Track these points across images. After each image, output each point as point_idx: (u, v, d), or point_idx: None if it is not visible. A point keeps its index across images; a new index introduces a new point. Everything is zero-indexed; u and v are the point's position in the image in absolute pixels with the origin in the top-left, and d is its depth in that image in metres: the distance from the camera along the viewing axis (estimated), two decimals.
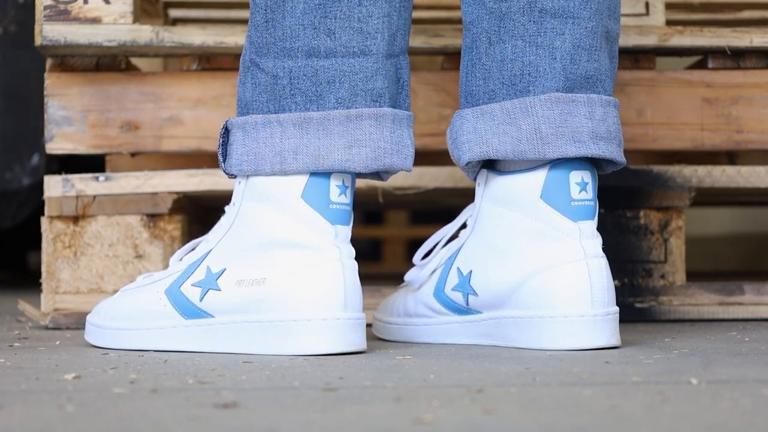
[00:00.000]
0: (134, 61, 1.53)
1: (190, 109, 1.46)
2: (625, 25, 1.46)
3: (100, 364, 1.06)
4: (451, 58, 1.49)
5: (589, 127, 1.15)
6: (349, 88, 1.13)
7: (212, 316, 1.15)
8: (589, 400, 0.81)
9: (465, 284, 1.20)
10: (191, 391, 0.87)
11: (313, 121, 1.12)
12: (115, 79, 1.46)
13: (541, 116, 1.14)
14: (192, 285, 1.16)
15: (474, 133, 1.17)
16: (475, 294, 1.20)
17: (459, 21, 1.84)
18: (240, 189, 1.15)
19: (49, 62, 1.46)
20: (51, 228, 1.44)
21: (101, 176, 1.44)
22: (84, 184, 1.44)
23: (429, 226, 3.21)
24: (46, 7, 1.41)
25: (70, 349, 1.20)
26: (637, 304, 1.46)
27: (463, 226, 1.26)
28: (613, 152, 1.16)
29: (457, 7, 1.82)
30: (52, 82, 1.45)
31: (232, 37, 1.42)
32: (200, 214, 1.74)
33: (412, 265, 1.30)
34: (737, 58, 1.49)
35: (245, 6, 1.84)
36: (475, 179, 1.21)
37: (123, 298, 1.21)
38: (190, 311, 1.16)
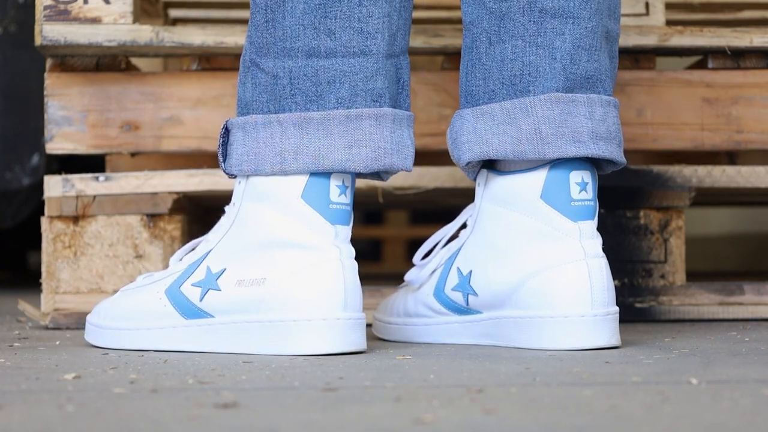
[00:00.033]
0: (134, 61, 1.53)
1: (190, 109, 1.46)
2: (625, 25, 1.46)
3: (100, 364, 1.06)
4: (451, 58, 1.49)
5: (589, 127, 1.15)
6: (350, 88, 1.13)
7: (212, 316, 1.15)
8: (589, 400, 0.81)
9: (465, 284, 1.20)
10: (191, 391, 0.87)
11: (314, 121, 1.12)
12: (115, 79, 1.46)
13: (541, 116, 1.14)
14: (192, 285, 1.16)
15: (474, 133, 1.17)
16: (475, 294, 1.20)
17: (459, 21, 1.84)
18: (240, 189, 1.15)
19: (49, 62, 1.46)
20: (51, 228, 1.44)
21: (101, 176, 1.44)
22: (84, 184, 1.44)
23: (429, 226, 3.21)
24: (46, 7, 1.41)
25: (70, 349, 1.20)
26: (637, 304, 1.46)
27: (463, 226, 1.26)
28: (613, 152, 1.16)
29: (457, 7, 1.82)
30: (52, 82, 1.45)
31: (232, 37, 1.42)
32: (200, 214, 1.74)
33: (412, 265, 1.30)
34: (737, 58, 1.49)
35: (245, 6, 1.84)
36: (475, 179, 1.21)
37: (123, 298, 1.21)
38: (190, 311, 1.16)
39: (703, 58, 1.51)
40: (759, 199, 1.93)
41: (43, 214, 1.44)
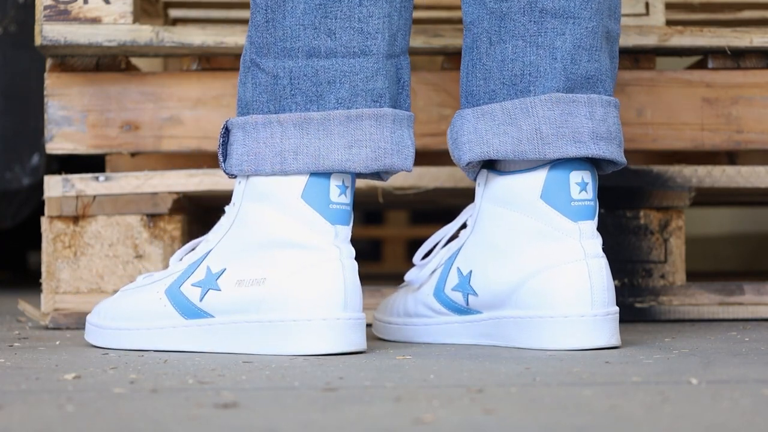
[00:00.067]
0: (134, 61, 1.53)
1: (190, 109, 1.46)
2: (625, 25, 1.46)
3: (100, 364, 1.06)
4: (451, 58, 1.49)
5: (590, 128, 1.15)
6: (350, 89, 1.13)
7: (212, 316, 1.15)
8: (589, 400, 0.81)
9: (465, 284, 1.20)
10: (191, 391, 0.87)
11: (314, 122, 1.12)
12: (115, 79, 1.46)
13: (542, 116, 1.14)
14: (192, 285, 1.16)
15: (474, 133, 1.17)
16: (475, 294, 1.20)
17: (459, 21, 1.84)
18: (240, 189, 1.15)
19: (49, 62, 1.46)
20: (51, 228, 1.44)
21: (101, 176, 1.44)
22: (84, 184, 1.44)
23: (429, 226, 3.21)
24: (46, 7, 1.41)
25: (70, 349, 1.20)
26: (637, 304, 1.46)
27: (463, 226, 1.26)
28: (614, 152, 1.16)
29: (457, 7, 1.82)
30: (52, 82, 1.45)
31: (232, 37, 1.42)
32: (200, 214, 1.74)
33: (412, 265, 1.30)
34: (737, 58, 1.49)
35: (245, 6, 1.84)
36: (475, 179, 1.21)
37: (123, 298, 1.21)
38: (190, 311, 1.16)
39: (703, 58, 1.51)
40: (759, 199, 1.93)
41: (43, 214, 1.44)
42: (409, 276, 1.28)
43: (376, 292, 1.46)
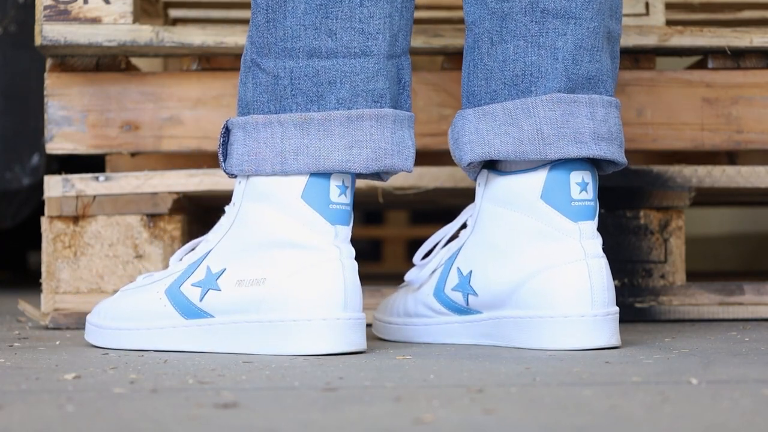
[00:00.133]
0: (134, 61, 1.53)
1: (190, 109, 1.46)
2: (625, 25, 1.46)
3: (100, 364, 1.06)
4: (451, 58, 1.49)
5: (591, 128, 1.15)
6: (350, 89, 1.13)
7: (212, 316, 1.15)
8: (589, 400, 0.81)
9: (465, 284, 1.20)
10: (191, 391, 0.87)
11: (314, 122, 1.12)
12: (115, 79, 1.46)
13: (543, 117, 1.14)
14: (192, 285, 1.16)
15: (476, 133, 1.17)
16: (475, 294, 1.20)
17: (459, 21, 1.84)
18: (240, 189, 1.15)
19: (49, 62, 1.46)
20: (51, 228, 1.44)
21: (101, 176, 1.44)
22: (84, 184, 1.44)
23: (429, 226, 3.21)
24: (46, 7, 1.41)
25: (70, 349, 1.20)
26: (637, 304, 1.46)
27: (463, 226, 1.26)
28: (615, 153, 1.16)
29: (457, 7, 1.82)
30: (52, 82, 1.45)
31: (232, 37, 1.42)
32: (200, 214, 1.74)
33: (412, 265, 1.30)
34: (737, 58, 1.49)
35: (245, 6, 1.84)
36: (475, 179, 1.21)
37: (123, 298, 1.21)
38: (190, 311, 1.16)
39: (703, 58, 1.51)
40: (759, 199, 1.93)
41: (43, 214, 1.44)
42: (409, 276, 1.28)
43: (376, 292, 1.46)
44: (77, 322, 1.42)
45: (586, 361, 1.04)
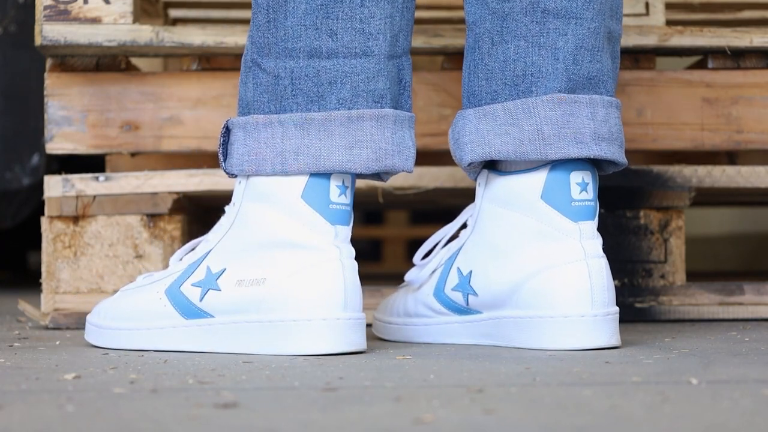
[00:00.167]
0: (134, 61, 1.53)
1: (190, 109, 1.46)
2: (625, 25, 1.46)
3: (100, 364, 1.06)
4: (451, 58, 1.49)
5: (591, 128, 1.15)
6: (351, 89, 1.13)
7: (212, 316, 1.15)
8: (589, 400, 0.81)
9: (465, 284, 1.20)
10: (191, 391, 0.87)
11: (315, 122, 1.12)
12: (115, 79, 1.46)
13: (544, 117, 1.14)
14: (192, 285, 1.16)
15: (476, 133, 1.17)
16: (475, 294, 1.20)
17: (459, 21, 1.84)
18: (240, 189, 1.15)
19: (49, 62, 1.46)
20: (51, 228, 1.44)
21: (101, 176, 1.44)
22: (84, 184, 1.44)
23: (429, 226, 3.21)
24: (46, 7, 1.41)
25: (70, 349, 1.20)
26: (637, 304, 1.46)
27: (464, 226, 1.26)
28: (615, 153, 1.16)
29: (457, 7, 1.82)
30: (52, 82, 1.45)
31: (232, 37, 1.42)
32: (200, 214, 1.74)
33: (412, 265, 1.30)
34: (737, 58, 1.49)
35: (245, 6, 1.84)
36: (476, 179, 1.21)
37: (123, 298, 1.21)
38: (190, 311, 1.16)
39: (703, 58, 1.51)
40: (759, 199, 1.93)
41: (43, 214, 1.44)
42: (409, 276, 1.28)
43: (376, 292, 1.46)
44: (77, 322, 1.42)
45: (586, 361, 1.04)
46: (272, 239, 1.13)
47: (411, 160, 1.16)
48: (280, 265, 1.12)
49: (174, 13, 1.96)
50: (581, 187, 1.15)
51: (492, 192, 1.19)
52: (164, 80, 1.47)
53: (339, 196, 1.13)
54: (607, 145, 1.15)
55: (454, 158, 1.20)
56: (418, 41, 1.44)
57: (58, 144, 1.46)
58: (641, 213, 1.47)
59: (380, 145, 1.13)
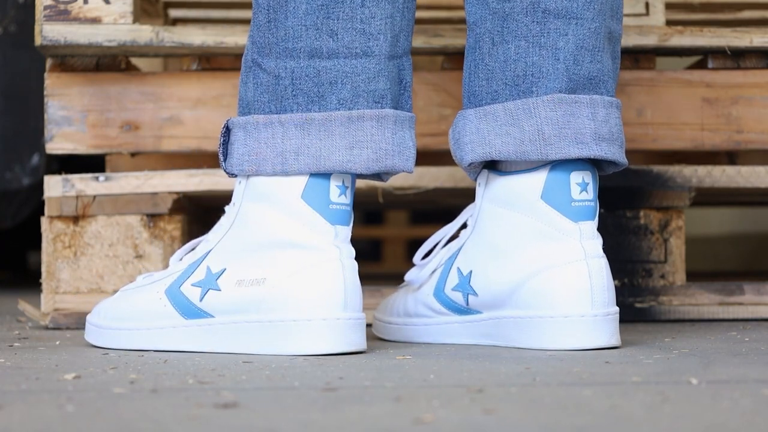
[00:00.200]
0: (134, 61, 1.53)
1: (190, 109, 1.46)
2: (625, 25, 1.46)
3: (100, 364, 1.06)
4: (451, 58, 1.49)
5: (592, 129, 1.15)
6: (351, 89, 1.13)
7: (212, 316, 1.15)
8: (589, 400, 0.81)
9: (465, 284, 1.20)
10: (191, 391, 0.87)
11: (315, 122, 1.12)
12: (115, 79, 1.46)
13: (544, 117, 1.14)
14: (192, 285, 1.16)
15: (477, 133, 1.17)
16: (475, 294, 1.20)
17: (459, 21, 1.84)
18: (240, 189, 1.15)
19: (49, 62, 1.46)
20: (51, 228, 1.44)
21: (101, 176, 1.44)
22: (84, 184, 1.44)
23: (429, 226, 3.21)
24: (46, 7, 1.41)
25: (70, 349, 1.20)
26: (637, 304, 1.46)
27: (464, 226, 1.26)
28: (615, 153, 1.16)
29: (457, 7, 1.82)
30: (52, 82, 1.45)
31: (232, 37, 1.42)
32: (200, 214, 1.74)
33: (412, 265, 1.30)
34: (737, 58, 1.49)
35: (245, 6, 1.84)
36: (476, 179, 1.21)
37: (123, 298, 1.21)
38: (190, 311, 1.16)
39: (703, 58, 1.51)
40: (759, 199, 1.93)
41: (43, 214, 1.44)
42: (409, 276, 1.28)
43: (376, 292, 1.46)
44: (77, 322, 1.42)
45: (586, 361, 1.04)
46: (272, 239, 1.13)
47: (411, 161, 1.16)
48: (280, 265, 1.12)
49: (174, 13, 1.96)
50: (581, 187, 1.15)
51: (492, 192, 1.19)
52: (164, 80, 1.47)
53: (339, 196, 1.13)
54: (607, 146, 1.15)
55: (454, 158, 1.20)
56: (418, 41, 1.44)
57: (58, 144, 1.46)
58: (641, 213, 1.47)
59: (380, 145, 1.13)
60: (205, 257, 1.17)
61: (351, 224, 1.14)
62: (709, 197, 1.79)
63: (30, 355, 1.13)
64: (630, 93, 1.48)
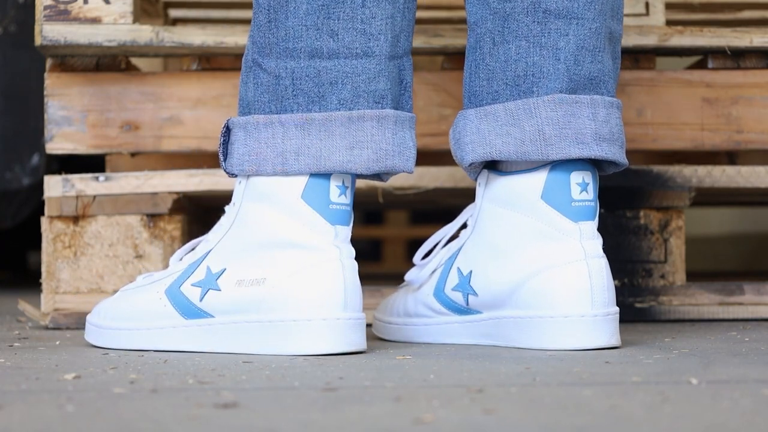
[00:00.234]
0: (134, 61, 1.53)
1: (190, 109, 1.46)
2: (626, 25, 1.46)
3: (100, 364, 1.06)
4: (452, 58, 1.49)
5: (593, 129, 1.15)
6: (352, 90, 1.13)
7: (212, 316, 1.15)
8: (589, 400, 0.81)
9: (465, 284, 1.20)
10: (191, 391, 0.87)
11: (315, 122, 1.12)
12: (115, 79, 1.46)
13: (545, 117, 1.14)
14: (192, 285, 1.16)
15: (477, 134, 1.17)
16: (475, 294, 1.20)
17: (459, 21, 1.84)
18: (240, 189, 1.15)
19: (49, 62, 1.46)
20: (51, 228, 1.44)
21: (101, 176, 1.44)
22: (84, 184, 1.44)
23: (429, 226, 3.21)
24: (46, 7, 1.41)
25: (70, 349, 1.20)
26: (637, 304, 1.46)
27: (464, 226, 1.26)
28: (616, 153, 1.16)
29: (457, 7, 1.82)
30: (52, 82, 1.45)
31: (232, 37, 1.42)
32: (200, 214, 1.74)
33: (412, 265, 1.30)
34: (737, 58, 1.49)
35: (245, 6, 1.84)
36: (476, 179, 1.21)
37: (123, 298, 1.21)
38: (190, 311, 1.16)
39: (703, 58, 1.51)
40: (759, 199, 1.93)
41: (43, 214, 1.44)
42: (409, 276, 1.28)
43: (376, 292, 1.46)
44: (77, 322, 1.42)
45: (586, 361, 1.04)
46: (272, 239, 1.13)
47: (411, 161, 1.16)
48: (280, 265, 1.12)
49: (174, 13, 1.96)
50: (581, 187, 1.15)
51: (492, 192, 1.19)
52: (164, 80, 1.47)
53: (339, 196, 1.13)
54: (608, 146, 1.15)
55: (455, 158, 1.20)
56: (418, 41, 1.44)
57: (58, 144, 1.46)
58: (641, 213, 1.47)
59: (381, 145, 1.13)
60: (205, 257, 1.17)
61: (351, 224, 1.14)
62: (709, 197, 1.79)
63: (30, 355, 1.13)
64: (630, 93, 1.48)
